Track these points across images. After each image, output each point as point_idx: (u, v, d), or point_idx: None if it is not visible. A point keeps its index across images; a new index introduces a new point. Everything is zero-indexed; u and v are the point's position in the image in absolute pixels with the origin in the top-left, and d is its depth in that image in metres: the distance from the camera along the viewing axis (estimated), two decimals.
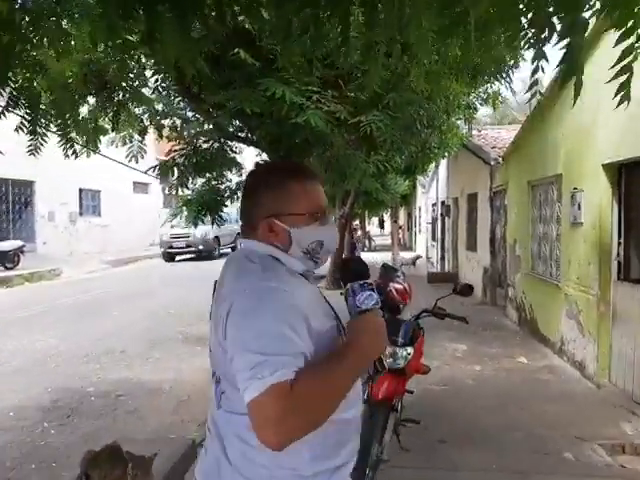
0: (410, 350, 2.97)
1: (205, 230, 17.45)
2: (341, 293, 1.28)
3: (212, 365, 1.23)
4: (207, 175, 6.46)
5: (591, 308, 5.18)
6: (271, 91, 4.60)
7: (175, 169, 5.49)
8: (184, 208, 6.22)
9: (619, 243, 4.94)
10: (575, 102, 1.63)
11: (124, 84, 4.94)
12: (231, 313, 1.09)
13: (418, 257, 14.94)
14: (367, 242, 25.49)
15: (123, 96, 5.10)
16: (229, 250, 20.24)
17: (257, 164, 1.57)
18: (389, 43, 2.81)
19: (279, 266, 1.19)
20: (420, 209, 21.87)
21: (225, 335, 1.10)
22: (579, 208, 5.46)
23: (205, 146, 5.86)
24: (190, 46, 3.22)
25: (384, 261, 15.52)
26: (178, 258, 19.66)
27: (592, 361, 5.11)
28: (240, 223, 1.34)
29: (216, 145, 5.99)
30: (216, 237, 19.61)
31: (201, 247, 19.23)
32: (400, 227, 32.20)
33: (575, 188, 5.57)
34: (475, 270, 10.86)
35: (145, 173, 7.12)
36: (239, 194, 6.38)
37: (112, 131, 5.63)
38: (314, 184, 1.28)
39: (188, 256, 19.66)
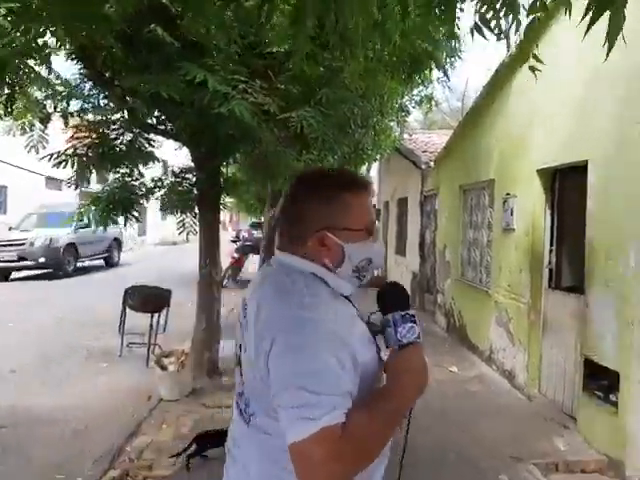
0: None
1: (51, 235, 13.26)
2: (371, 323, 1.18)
3: (240, 383, 1.19)
4: (121, 170, 5.84)
5: (521, 316, 5.09)
6: (191, 75, 4.12)
7: (75, 160, 4.83)
8: (92, 207, 5.54)
9: (551, 250, 4.87)
10: None
11: (17, 61, 4.27)
12: (275, 346, 1.01)
13: None
14: None
15: (16, 77, 4.41)
16: (95, 263, 15.87)
17: (305, 171, 1.38)
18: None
19: (323, 288, 1.12)
20: None
21: (267, 366, 1.02)
22: (511, 214, 5.37)
23: (115, 136, 5.23)
24: (88, 20, 2.72)
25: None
26: (16, 275, 13.63)
27: (522, 371, 5.01)
28: (278, 234, 1.23)
29: (129, 136, 5.38)
30: (71, 245, 14.01)
31: (42, 259, 13.12)
32: None
33: (508, 194, 5.48)
34: (404, 275, 10.79)
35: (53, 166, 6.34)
36: (157, 192, 5.81)
37: (5, 117, 4.90)
38: (368, 197, 1.20)
39: (30, 272, 13.73)
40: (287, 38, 4.43)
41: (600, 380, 3.71)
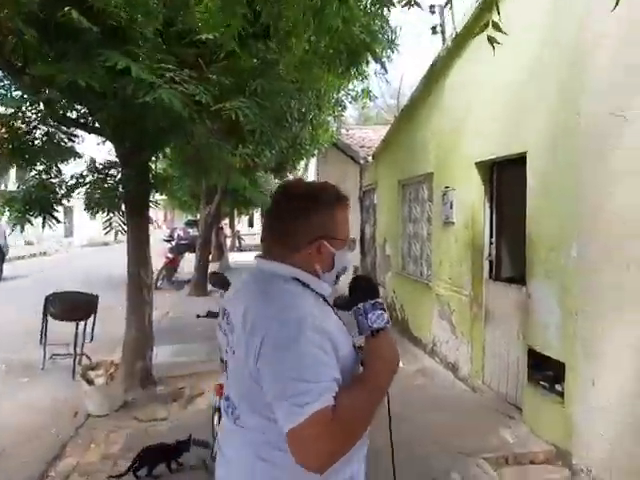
0: None
1: None
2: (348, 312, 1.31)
3: (227, 387, 1.30)
4: (38, 167, 5.32)
5: (464, 308, 5.10)
6: (112, 62, 3.76)
7: None
8: (6, 208, 5.01)
9: (491, 243, 4.89)
10: None
11: None
12: (265, 343, 1.10)
13: None
14: (237, 242, 24.68)
15: None
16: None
17: (293, 183, 1.45)
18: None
19: (302, 289, 1.22)
20: None
21: (257, 363, 1.11)
22: (451, 207, 5.37)
23: (27, 130, 4.73)
24: None
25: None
26: None
27: (466, 363, 5.02)
28: (265, 242, 1.32)
29: (45, 129, 4.89)
30: None
31: None
32: None
33: (447, 187, 5.47)
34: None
35: None
36: (80, 189, 5.34)
37: None
38: (348, 210, 1.35)
39: None
40: (217, 26, 4.17)
41: (545, 370, 3.73)
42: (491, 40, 1.83)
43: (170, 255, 12.60)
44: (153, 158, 5.52)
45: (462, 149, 5.10)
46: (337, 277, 1.34)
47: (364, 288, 1.33)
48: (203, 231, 10.93)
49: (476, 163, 4.84)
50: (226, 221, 28.13)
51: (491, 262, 4.88)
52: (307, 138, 7.26)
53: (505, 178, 4.80)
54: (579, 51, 3.32)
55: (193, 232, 15.41)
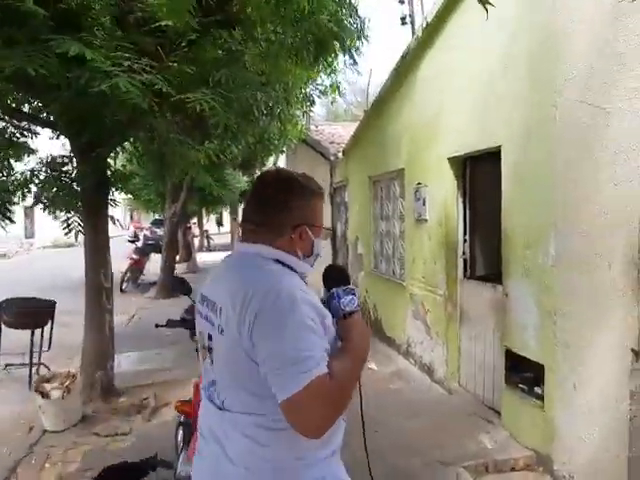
0: None
1: None
2: (322, 299, 1.35)
3: (210, 372, 1.31)
4: None
5: (438, 308, 4.97)
6: (63, 49, 3.47)
7: None
8: None
9: (465, 240, 4.77)
10: None
11: None
12: (259, 317, 1.14)
13: None
14: (206, 241, 24.20)
15: None
16: None
17: (271, 170, 1.51)
18: None
19: (286, 270, 1.29)
20: None
21: (251, 338, 1.15)
22: (423, 204, 5.23)
23: None
24: None
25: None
26: None
27: (441, 365, 4.89)
28: (244, 227, 1.39)
29: None
30: None
31: None
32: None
33: (419, 183, 5.33)
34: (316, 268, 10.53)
35: None
36: (32, 188, 5.00)
37: None
38: (323, 201, 1.45)
39: None
40: (176, 11, 3.93)
41: (523, 372, 3.62)
42: (483, 2, 1.66)
43: (135, 256, 12.17)
44: (112, 154, 5.21)
45: (434, 144, 4.97)
46: (313, 263, 1.42)
47: (336, 275, 1.44)
48: (169, 231, 10.57)
49: (449, 158, 4.71)
50: (195, 220, 27.62)
51: (465, 260, 4.76)
52: (275, 133, 7.02)
53: (479, 173, 4.69)
54: (554, 37, 3.19)
55: (160, 232, 14.99)
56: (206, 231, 25.21)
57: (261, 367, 1.14)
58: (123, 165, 6.03)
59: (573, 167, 3.07)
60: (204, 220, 24.66)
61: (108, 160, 5.02)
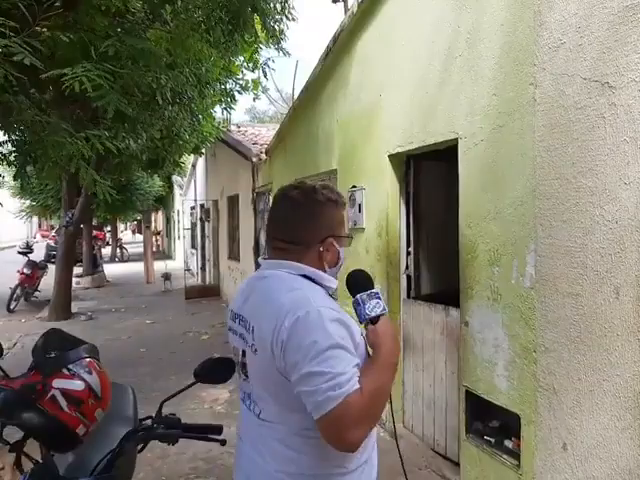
0: None
1: None
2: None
3: (247, 385, 1.36)
4: None
5: None
6: None
7: None
8: None
9: (408, 253, 4.03)
10: None
11: None
12: (292, 338, 1.16)
13: (167, 275, 12.62)
14: (119, 252, 22.26)
15: None
16: None
17: (292, 184, 1.46)
18: None
19: (316, 285, 1.31)
20: (179, 213, 19.84)
21: (284, 357, 1.17)
22: (359, 210, 4.45)
23: None
24: None
25: (165, 272, 12.80)
26: None
27: None
28: (271, 243, 1.40)
29: None
30: None
31: None
32: (157, 233, 29.51)
33: (354, 186, 4.55)
34: (238, 282, 9.54)
35: None
36: None
37: None
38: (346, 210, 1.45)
39: None
40: None
41: (489, 419, 2.90)
42: None
43: (26, 271, 10.54)
44: None
45: (372, 139, 4.21)
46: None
47: (359, 281, 1.39)
48: (64, 241, 9.11)
49: (390, 156, 3.96)
50: (108, 228, 25.53)
51: (409, 276, 4.02)
52: (186, 127, 6.01)
53: (425, 174, 3.99)
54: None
55: None
56: (119, 240, 23.28)
57: (294, 386, 1.17)
58: None
59: (560, 162, 2.38)
60: (123, 228, 22.75)
61: None
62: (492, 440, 2.84)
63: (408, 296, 4.01)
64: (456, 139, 3.12)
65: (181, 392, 1.66)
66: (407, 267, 4.03)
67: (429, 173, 4.10)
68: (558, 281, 2.40)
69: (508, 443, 2.73)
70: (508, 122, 2.69)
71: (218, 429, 1.62)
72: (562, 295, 2.39)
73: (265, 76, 6.41)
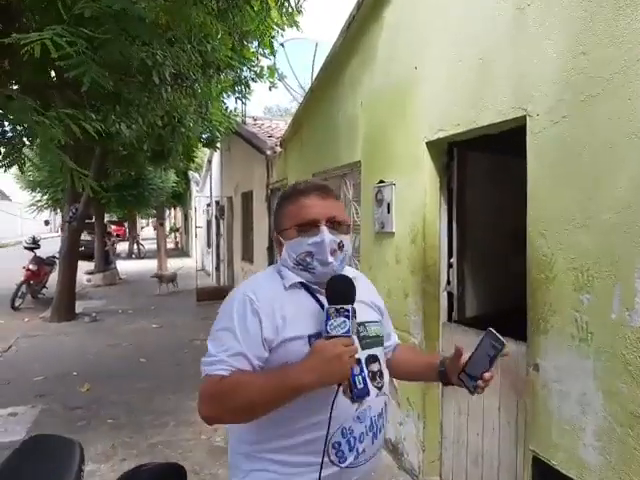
0: None
1: None
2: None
3: None
4: None
5: None
6: None
7: None
8: None
9: (450, 264, 3.25)
10: None
11: None
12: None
13: (174, 277, 11.76)
14: (136, 248, 21.84)
15: None
16: None
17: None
18: None
19: (276, 278, 1.35)
20: (196, 210, 19.27)
21: None
22: (388, 210, 3.67)
23: None
24: None
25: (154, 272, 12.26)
26: None
27: (413, 446, 3.33)
28: None
29: None
30: None
31: None
32: (177, 230, 29.14)
33: (382, 181, 3.77)
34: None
35: None
36: None
37: None
38: (311, 199, 1.34)
39: None
40: None
41: None
42: None
43: (32, 267, 10.02)
44: None
45: (406, 124, 3.44)
46: (303, 265, 1.33)
47: (337, 289, 1.26)
48: (67, 237, 8.53)
49: (428, 143, 3.19)
50: (121, 225, 25.23)
51: (451, 294, 3.24)
52: (191, 113, 5.31)
53: (472, 167, 3.20)
54: None
55: (84, 235, 12.85)
56: (137, 235, 22.87)
57: None
58: None
59: None
60: (144, 224, 22.31)
61: None
62: None
63: (449, 319, 3.22)
64: (524, 117, 2.33)
65: None
66: (448, 282, 3.25)
67: (477, 166, 3.32)
68: None
69: None
70: (606, 90, 1.90)
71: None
72: None
73: (279, 79, 5.68)
